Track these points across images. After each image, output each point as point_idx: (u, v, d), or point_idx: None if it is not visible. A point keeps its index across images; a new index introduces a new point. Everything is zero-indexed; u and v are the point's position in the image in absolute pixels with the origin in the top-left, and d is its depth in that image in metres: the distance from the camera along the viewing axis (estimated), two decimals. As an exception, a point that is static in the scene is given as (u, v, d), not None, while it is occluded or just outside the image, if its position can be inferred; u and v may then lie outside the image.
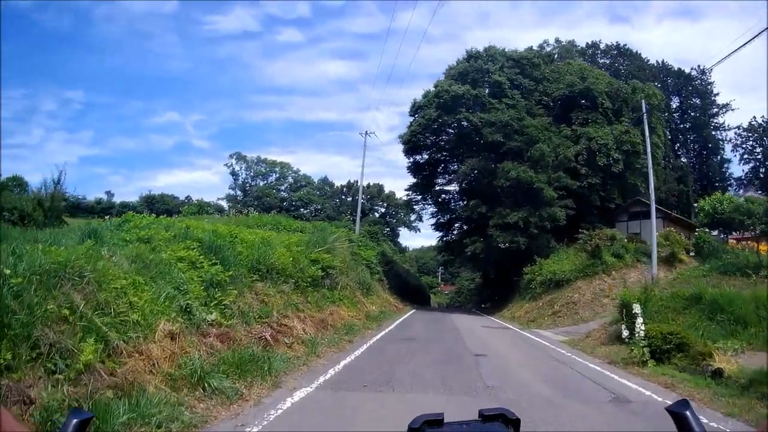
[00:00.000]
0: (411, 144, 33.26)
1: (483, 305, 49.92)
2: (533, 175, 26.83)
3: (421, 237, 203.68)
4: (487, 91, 30.40)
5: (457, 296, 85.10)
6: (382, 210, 77.78)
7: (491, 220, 27.64)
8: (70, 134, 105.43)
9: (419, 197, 37.68)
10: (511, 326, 19.85)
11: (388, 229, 73.96)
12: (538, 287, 23.20)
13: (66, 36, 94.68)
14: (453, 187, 35.92)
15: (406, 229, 76.68)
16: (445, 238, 38.19)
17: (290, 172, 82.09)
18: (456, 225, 37.35)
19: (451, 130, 31.78)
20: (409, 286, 39.81)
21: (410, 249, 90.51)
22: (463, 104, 29.22)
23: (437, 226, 37.78)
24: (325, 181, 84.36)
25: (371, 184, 79.58)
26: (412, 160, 35.36)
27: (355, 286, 18.16)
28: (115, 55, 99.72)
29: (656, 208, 31.76)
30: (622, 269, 22.44)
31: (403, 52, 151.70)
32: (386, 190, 77.06)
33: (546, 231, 27.36)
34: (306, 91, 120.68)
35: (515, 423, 0.94)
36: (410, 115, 34.16)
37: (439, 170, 35.27)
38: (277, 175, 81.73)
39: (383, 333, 14.43)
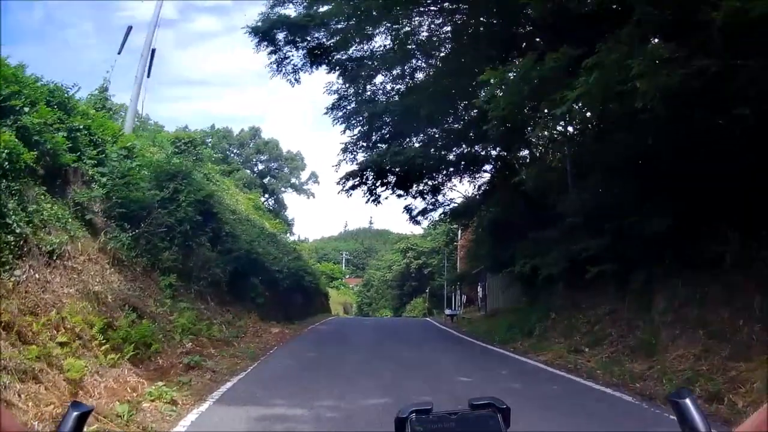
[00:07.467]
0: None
1: (450, 313, 25.21)
2: None
3: (319, 222, 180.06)
4: None
5: (366, 290, 63.74)
6: (260, 167, 52.02)
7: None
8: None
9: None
10: None
11: (268, 196, 48.49)
12: None
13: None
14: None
15: (294, 192, 51.97)
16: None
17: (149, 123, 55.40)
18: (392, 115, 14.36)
19: None
20: (280, 282, 15.62)
21: (309, 240, 68.32)
22: None
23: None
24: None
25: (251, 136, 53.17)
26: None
27: None
28: (31, 47, 78.85)
29: None
30: None
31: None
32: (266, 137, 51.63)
33: None
34: (219, 82, 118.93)
35: (505, 411, 0.91)
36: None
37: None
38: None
39: None
